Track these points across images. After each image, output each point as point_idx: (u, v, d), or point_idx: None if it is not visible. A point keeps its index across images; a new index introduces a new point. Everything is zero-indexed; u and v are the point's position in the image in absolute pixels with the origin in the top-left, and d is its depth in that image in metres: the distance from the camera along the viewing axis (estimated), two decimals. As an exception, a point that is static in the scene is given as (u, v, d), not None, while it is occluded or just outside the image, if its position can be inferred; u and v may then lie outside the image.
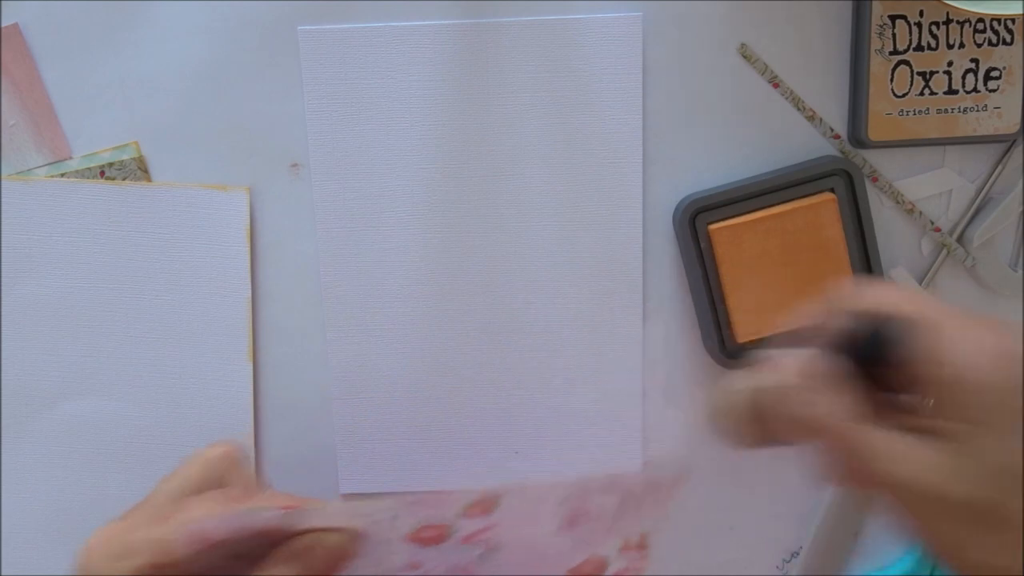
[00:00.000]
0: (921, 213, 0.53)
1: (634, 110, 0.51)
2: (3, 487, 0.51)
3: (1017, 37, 0.51)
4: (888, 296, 0.34)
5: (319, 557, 0.35)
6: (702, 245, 0.51)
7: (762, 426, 0.36)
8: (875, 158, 0.52)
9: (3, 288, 0.51)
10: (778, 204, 0.51)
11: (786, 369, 0.35)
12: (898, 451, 0.32)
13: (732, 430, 0.37)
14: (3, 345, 0.51)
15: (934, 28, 0.50)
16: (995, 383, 0.31)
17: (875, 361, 0.33)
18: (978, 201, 0.53)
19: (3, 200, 0.50)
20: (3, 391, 0.51)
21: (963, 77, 0.51)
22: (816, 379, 0.34)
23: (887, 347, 0.33)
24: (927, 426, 0.32)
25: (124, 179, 0.50)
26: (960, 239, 0.53)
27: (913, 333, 0.33)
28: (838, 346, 0.34)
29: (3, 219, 0.50)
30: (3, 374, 0.51)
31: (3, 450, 0.51)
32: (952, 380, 0.32)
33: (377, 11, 0.50)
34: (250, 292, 0.52)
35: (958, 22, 0.50)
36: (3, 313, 0.51)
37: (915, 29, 0.50)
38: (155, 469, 0.40)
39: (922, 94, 0.51)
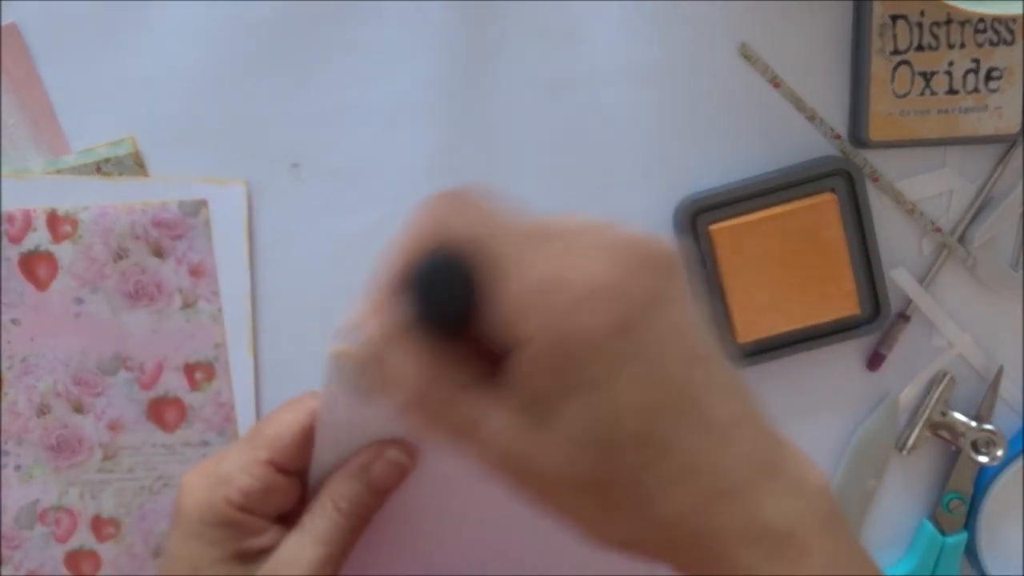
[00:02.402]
0: (922, 213, 0.53)
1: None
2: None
3: (1017, 37, 0.51)
4: (448, 224, 0.28)
5: (381, 471, 0.36)
6: (702, 245, 0.51)
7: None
8: (876, 158, 0.52)
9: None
10: (779, 204, 0.51)
11: (363, 330, 0.29)
12: (503, 424, 0.27)
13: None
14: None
15: (935, 28, 0.50)
16: (557, 335, 0.26)
17: (438, 309, 0.27)
18: (979, 201, 0.53)
19: (2, 199, 0.50)
20: None
21: (964, 77, 0.51)
22: (389, 337, 0.28)
23: (446, 293, 0.27)
24: (513, 387, 0.27)
25: (120, 174, 0.50)
26: (961, 239, 0.53)
27: (473, 271, 0.27)
28: (405, 292, 0.28)
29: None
30: None
31: None
32: (513, 336, 0.26)
33: (376, 11, 0.50)
34: (250, 288, 0.52)
35: (959, 22, 0.50)
36: None
37: (916, 29, 0.50)
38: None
39: (923, 94, 0.51)
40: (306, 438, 0.37)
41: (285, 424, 0.37)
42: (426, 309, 0.27)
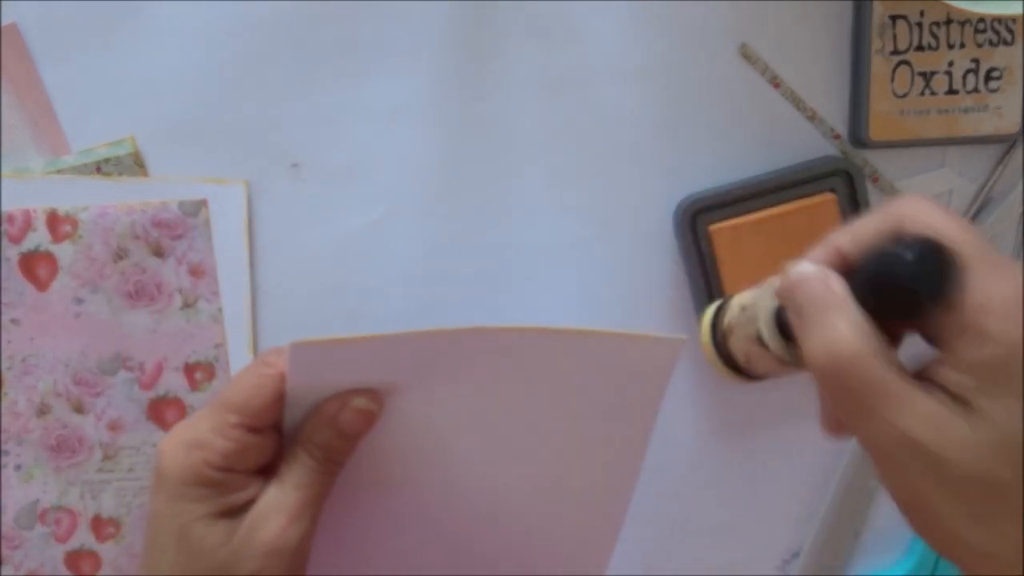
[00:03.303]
0: (921, 213, 0.53)
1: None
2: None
3: (1017, 37, 0.51)
4: (932, 218, 0.30)
5: (349, 418, 0.39)
6: (702, 245, 0.51)
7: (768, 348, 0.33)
8: (876, 158, 0.52)
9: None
10: (779, 204, 0.51)
11: (810, 279, 0.31)
12: (917, 405, 0.28)
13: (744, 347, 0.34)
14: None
15: (935, 28, 0.50)
16: (1012, 337, 0.28)
17: (908, 295, 0.29)
18: (979, 201, 0.53)
19: (2, 199, 0.50)
20: None
21: (964, 77, 0.51)
22: (842, 298, 0.30)
23: (927, 281, 0.29)
24: (942, 381, 0.29)
25: (120, 174, 0.50)
26: (960, 239, 0.53)
27: (956, 269, 0.29)
28: (865, 273, 0.30)
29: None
30: None
31: None
32: (980, 332, 0.28)
33: (376, 11, 0.50)
34: (250, 288, 0.52)
35: (959, 22, 0.50)
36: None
37: (916, 29, 0.50)
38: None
39: (923, 94, 0.51)
40: (272, 399, 0.39)
41: (252, 388, 0.39)
42: (898, 281, 0.29)
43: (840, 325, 0.29)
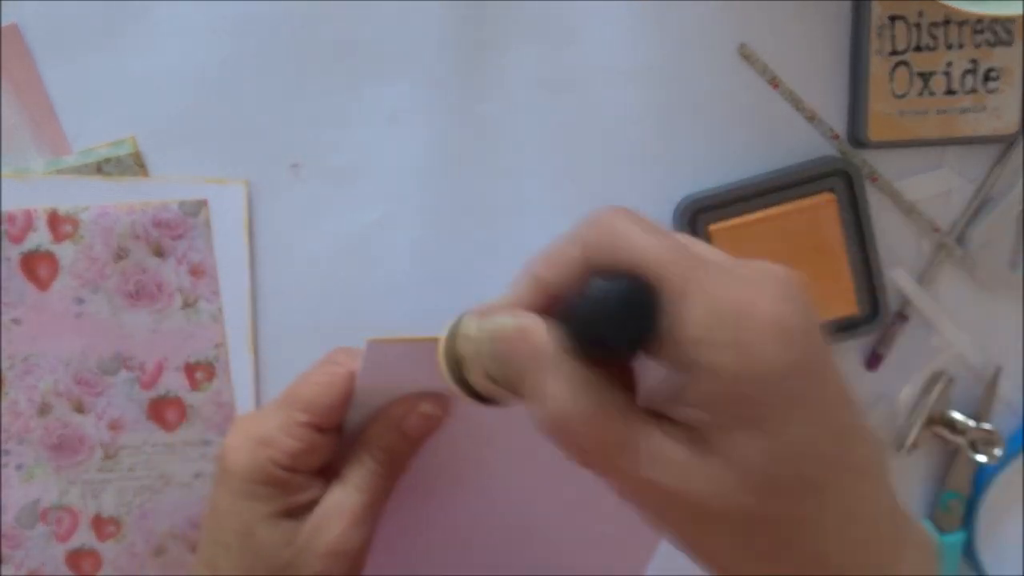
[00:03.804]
0: (920, 213, 0.53)
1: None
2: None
3: (1016, 38, 0.51)
4: (631, 240, 0.27)
5: (415, 422, 0.39)
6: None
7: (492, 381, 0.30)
8: (875, 158, 0.52)
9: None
10: (778, 204, 0.51)
11: (510, 338, 0.28)
12: (654, 450, 0.26)
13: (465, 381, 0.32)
14: None
15: (933, 29, 0.51)
16: (742, 368, 0.25)
17: (615, 341, 0.26)
18: (977, 201, 0.53)
19: (3, 199, 0.50)
20: None
21: (962, 77, 0.51)
22: (547, 354, 0.27)
23: (631, 324, 0.26)
24: (680, 417, 0.27)
25: (121, 174, 0.50)
26: (959, 239, 0.53)
27: (660, 302, 0.26)
28: (567, 317, 0.27)
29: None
30: None
31: None
32: (700, 367, 0.26)
33: (376, 11, 0.50)
34: (250, 288, 0.52)
35: (957, 23, 0.51)
36: None
37: (914, 30, 0.50)
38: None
39: (921, 95, 0.51)
40: (342, 398, 0.39)
41: (322, 386, 0.39)
42: (600, 329, 0.26)
43: (551, 387, 0.27)
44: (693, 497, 0.26)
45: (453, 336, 0.32)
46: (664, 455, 0.26)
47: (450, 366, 0.32)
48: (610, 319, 0.26)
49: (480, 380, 0.31)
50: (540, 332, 0.28)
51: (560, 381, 0.27)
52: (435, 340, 0.34)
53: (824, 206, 0.51)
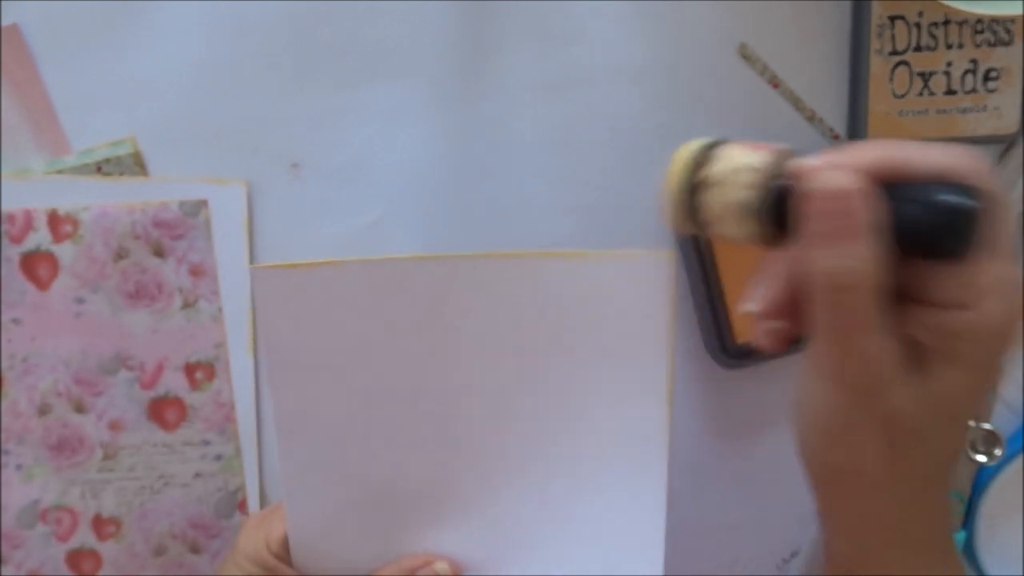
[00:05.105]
0: (920, 213, 0.53)
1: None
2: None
3: (1015, 38, 0.51)
4: (962, 162, 0.29)
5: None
6: (701, 247, 0.51)
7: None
8: (874, 158, 0.52)
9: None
10: (778, 204, 0.51)
11: (846, 195, 0.28)
12: (883, 344, 0.29)
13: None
14: None
15: (933, 29, 0.51)
16: (1006, 320, 0.28)
17: (943, 246, 0.28)
18: (977, 201, 0.53)
19: (2, 198, 0.50)
20: None
21: (962, 77, 0.51)
22: (868, 227, 0.28)
23: (964, 238, 0.27)
24: (911, 329, 0.29)
25: (121, 174, 0.50)
26: (959, 239, 0.53)
27: (992, 231, 0.27)
28: (906, 210, 0.28)
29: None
30: None
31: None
32: (976, 304, 0.28)
33: (376, 11, 0.50)
34: (250, 287, 0.52)
35: (957, 23, 0.51)
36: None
37: (914, 30, 0.51)
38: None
39: (921, 94, 0.51)
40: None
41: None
42: (931, 234, 0.28)
43: (857, 254, 0.28)
44: (889, 404, 0.29)
45: (707, 155, 0.32)
46: (886, 355, 0.29)
47: (682, 186, 0.32)
48: (953, 226, 0.27)
49: (726, 209, 0.31)
50: (870, 200, 0.28)
51: (867, 255, 0.28)
52: (328, 264, 0.36)
53: (824, 206, 0.50)
